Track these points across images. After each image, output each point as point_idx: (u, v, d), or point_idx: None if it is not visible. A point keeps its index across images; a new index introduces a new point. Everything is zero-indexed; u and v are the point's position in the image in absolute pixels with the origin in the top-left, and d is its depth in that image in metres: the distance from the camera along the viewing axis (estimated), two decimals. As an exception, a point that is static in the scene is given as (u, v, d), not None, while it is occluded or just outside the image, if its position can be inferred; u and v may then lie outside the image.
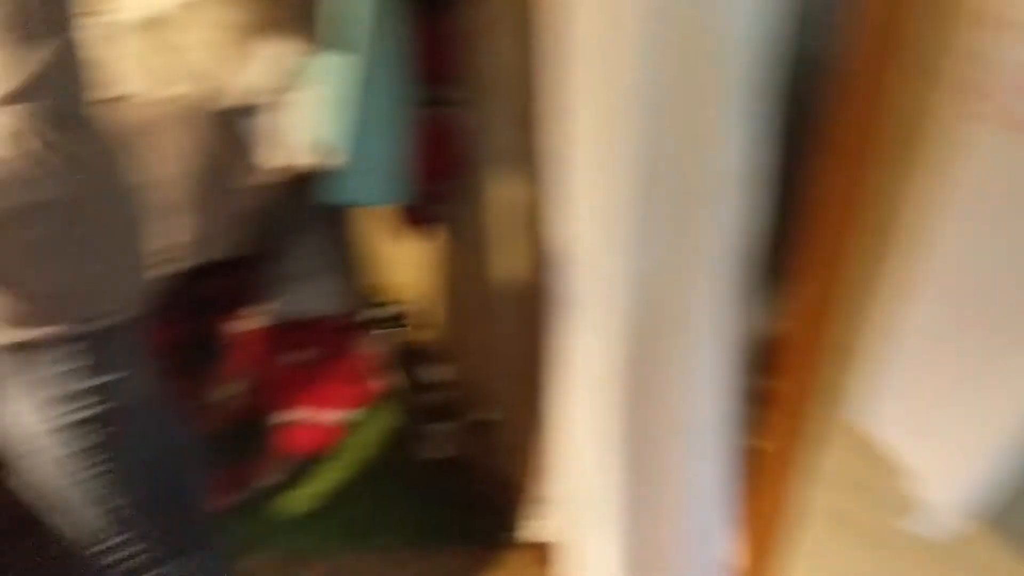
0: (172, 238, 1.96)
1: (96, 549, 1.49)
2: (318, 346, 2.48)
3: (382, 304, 2.42)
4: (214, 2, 2.01)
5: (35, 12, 0.98)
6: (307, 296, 2.50)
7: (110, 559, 1.51)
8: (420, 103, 1.85)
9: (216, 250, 2.16)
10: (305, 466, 2.27)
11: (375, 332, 2.46)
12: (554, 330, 1.62)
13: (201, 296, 2.16)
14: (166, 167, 2.03)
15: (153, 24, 2.01)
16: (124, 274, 1.33)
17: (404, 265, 2.41)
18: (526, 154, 1.67)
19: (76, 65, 1.07)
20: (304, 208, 2.24)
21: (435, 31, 1.81)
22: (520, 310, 1.87)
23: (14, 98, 1.00)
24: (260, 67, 2.07)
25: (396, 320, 2.39)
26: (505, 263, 1.93)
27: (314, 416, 2.34)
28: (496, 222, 1.91)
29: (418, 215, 2.08)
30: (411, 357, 2.40)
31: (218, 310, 2.36)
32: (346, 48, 1.89)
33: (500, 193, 1.87)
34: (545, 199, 1.53)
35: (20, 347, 1.27)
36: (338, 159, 1.97)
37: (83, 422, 1.36)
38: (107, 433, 1.39)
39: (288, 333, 2.50)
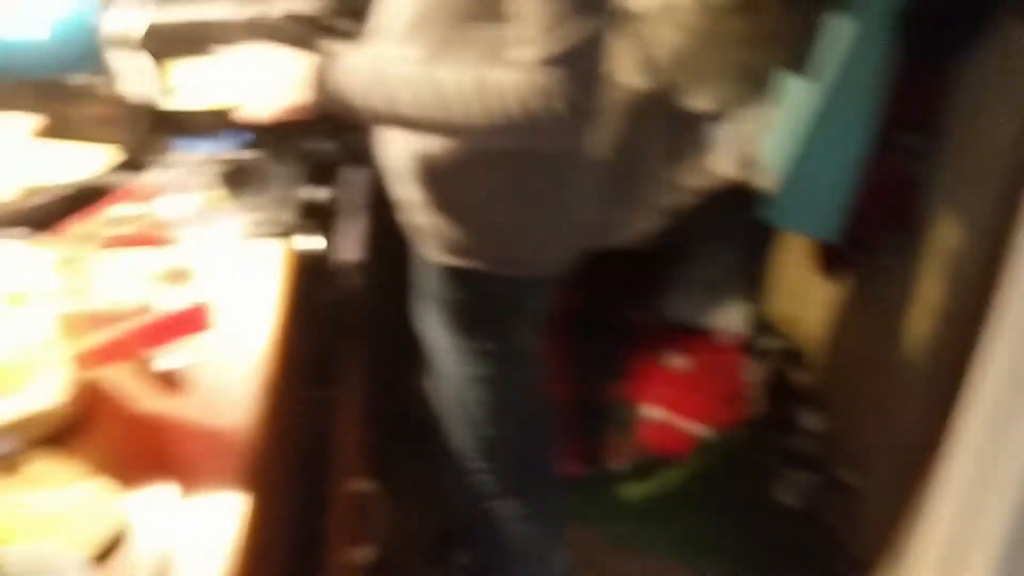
0: (602, 216, 2.07)
1: (462, 466, 1.64)
2: (697, 355, 2.50)
3: (773, 333, 2.37)
4: (692, 8, 2.07)
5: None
6: (704, 306, 2.53)
7: (468, 479, 1.66)
8: (879, 146, 1.78)
9: (636, 237, 2.26)
10: (652, 464, 2.30)
11: (757, 359, 2.42)
12: (963, 409, 1.50)
13: (606, 278, 2.26)
14: (610, 149, 2.15)
15: (632, 17, 2.11)
16: (561, 234, 1.44)
17: (806, 301, 2.34)
18: (981, 224, 1.55)
19: (605, 42, 1.18)
20: (729, 219, 2.26)
21: (918, 78, 1.72)
22: (925, 379, 1.75)
23: (554, 61, 1.13)
24: (721, 77, 2.10)
25: (782, 354, 2.33)
26: (920, 327, 1.81)
27: (674, 420, 2.37)
28: (924, 283, 1.80)
29: (839, 256, 2.01)
30: (785, 394, 2.33)
31: (618, 295, 2.47)
32: (815, 74, 1.87)
33: (938, 255, 1.75)
34: (1001, 275, 1.41)
35: (452, 272, 1.43)
36: (778, 180, 1.97)
37: (480, 352, 1.50)
38: (496, 368, 1.53)
39: (673, 335, 2.56)
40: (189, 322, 0.95)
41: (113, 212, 1.06)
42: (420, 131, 1.26)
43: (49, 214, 1.27)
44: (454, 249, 1.41)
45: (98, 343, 0.94)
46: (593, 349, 2.47)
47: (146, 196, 1.06)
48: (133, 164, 1.38)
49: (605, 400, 2.40)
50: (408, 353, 1.58)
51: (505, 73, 1.18)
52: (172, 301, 0.95)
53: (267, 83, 1.29)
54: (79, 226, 1.05)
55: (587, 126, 1.20)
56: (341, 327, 1.47)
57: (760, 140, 2.09)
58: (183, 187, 1.07)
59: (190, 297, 0.95)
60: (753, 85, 2.07)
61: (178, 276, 0.97)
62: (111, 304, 0.96)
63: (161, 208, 1.06)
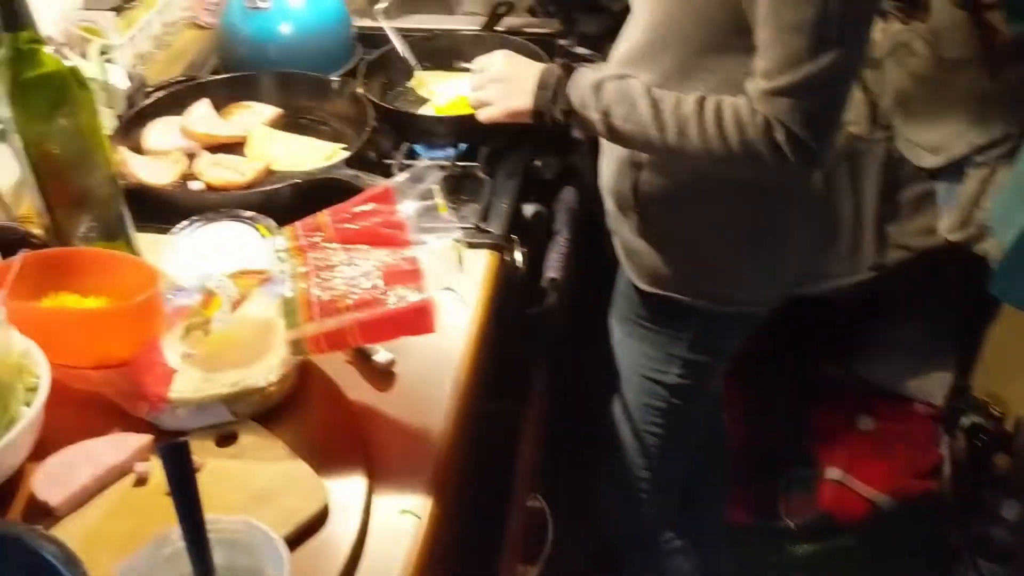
0: (813, 262, 2.00)
1: (629, 494, 1.62)
2: (890, 421, 2.38)
3: (977, 410, 2.21)
4: (925, 55, 1.96)
5: (834, 18, 1.06)
6: (904, 370, 2.39)
7: (633, 507, 1.64)
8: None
9: (842, 288, 2.17)
10: (826, 525, 2.21)
11: (955, 434, 2.27)
12: None
13: (804, 327, 2.18)
14: (824, 194, 2.07)
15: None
16: (771, 274, 1.40)
17: (1019, 381, 2.18)
18: None
19: (847, 83, 1.14)
20: (944, 283, 2.14)
21: None
22: None
23: (783, 91, 1.10)
24: (949, 131, 1.98)
25: (985, 433, 2.18)
26: None
27: (856, 484, 2.26)
28: None
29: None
30: (982, 477, 2.18)
31: (814, 347, 2.38)
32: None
33: None
34: None
35: (653, 298, 1.41)
36: (1004, 248, 1.84)
37: (661, 383, 1.48)
38: (673, 403, 1.51)
39: (867, 396, 2.44)
40: (414, 322, 0.97)
41: (346, 207, 1.10)
42: (634, 147, 1.26)
43: (284, 201, 1.34)
44: (659, 277, 1.39)
45: (322, 330, 0.98)
46: (781, 399, 2.40)
47: (379, 196, 1.10)
48: (368, 163, 1.45)
49: (787, 453, 2.32)
50: (594, 375, 1.58)
51: (729, 99, 1.15)
52: (400, 298, 0.98)
53: (500, 86, 1.33)
54: (313, 218, 1.10)
55: (810, 165, 1.16)
56: (535, 342, 1.48)
57: (988, 203, 1.96)
58: (412, 191, 1.10)
59: (417, 297, 0.98)
60: (984, 143, 1.94)
61: (406, 276, 1.00)
62: (339, 293, 1.00)
63: (392, 209, 1.09)
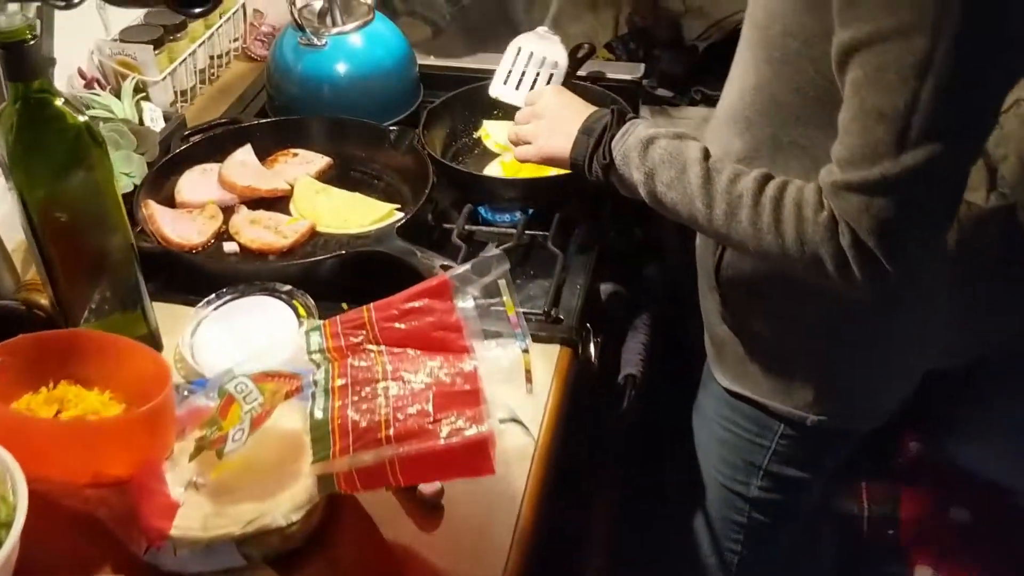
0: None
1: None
2: (985, 514, 2.15)
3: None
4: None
5: (932, 108, 0.84)
6: (1006, 456, 2.16)
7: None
8: None
9: (944, 363, 1.95)
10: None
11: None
12: None
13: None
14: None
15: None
16: (873, 386, 1.20)
17: None
18: None
19: (943, 182, 0.91)
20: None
21: None
22: None
23: (856, 187, 0.89)
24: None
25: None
26: None
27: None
28: None
29: None
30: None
31: (905, 425, 2.16)
32: None
33: None
34: None
35: (735, 398, 1.22)
36: None
37: (742, 495, 1.29)
38: (755, 518, 1.33)
39: (961, 483, 2.21)
40: (469, 462, 0.78)
41: (394, 303, 0.92)
42: (680, 220, 1.04)
43: (326, 274, 1.17)
44: (740, 372, 1.20)
45: (356, 465, 0.80)
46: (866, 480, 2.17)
47: (433, 291, 0.92)
48: (424, 228, 1.27)
49: (872, 542, 2.10)
50: (674, 480, 1.38)
51: (798, 184, 0.95)
52: (453, 430, 0.79)
53: (541, 124, 1.16)
54: (357, 313, 0.92)
55: (878, 284, 0.92)
56: (606, 446, 1.29)
57: None
58: (474, 284, 0.92)
59: (474, 431, 0.79)
60: None
61: (462, 399, 0.82)
62: (379, 419, 0.82)
63: (448, 306, 0.91)
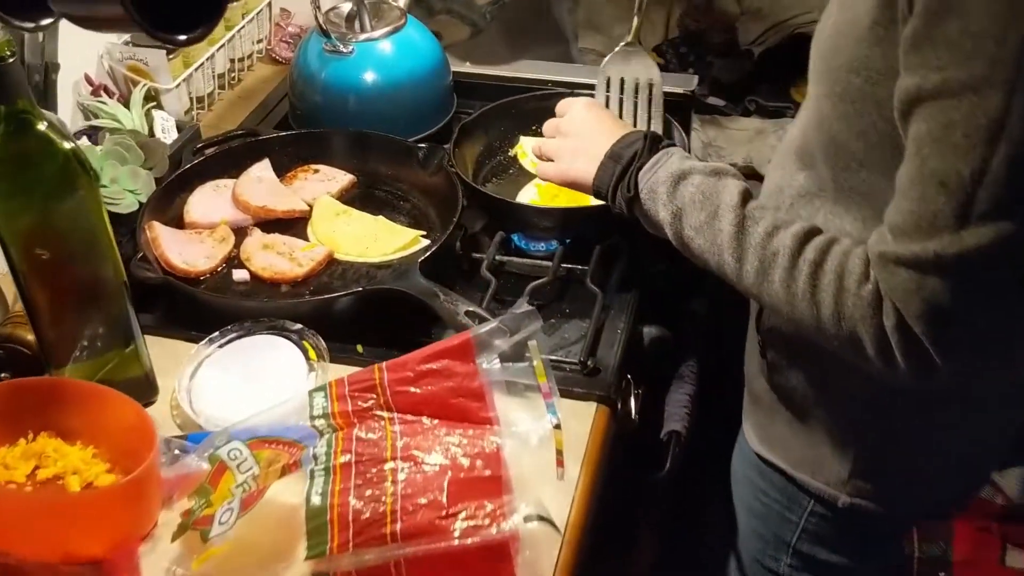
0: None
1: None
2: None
3: None
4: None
5: (1003, 179, 0.70)
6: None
7: None
8: None
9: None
10: None
11: None
12: None
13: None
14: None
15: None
16: (929, 475, 1.05)
17: None
18: None
19: (1008, 266, 0.76)
20: None
21: None
22: None
23: (907, 262, 0.75)
24: None
25: None
26: None
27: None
28: None
29: None
30: None
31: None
32: None
33: None
34: None
35: (769, 468, 1.09)
36: None
37: (773, 571, 1.16)
38: None
39: (1017, 520, 2.07)
40: (487, 567, 0.68)
41: (410, 362, 0.81)
42: (708, 268, 0.91)
43: (341, 313, 1.07)
44: (772, 437, 1.07)
45: (356, 566, 0.69)
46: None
47: (454, 351, 0.80)
48: (451, 258, 1.16)
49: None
50: (711, 548, 1.26)
51: (846, 245, 0.82)
52: (469, 527, 0.68)
53: (568, 142, 1.03)
54: (368, 372, 0.81)
55: (925, 376, 0.78)
56: (644, 510, 1.17)
57: None
58: (501, 343, 0.81)
59: (494, 530, 0.68)
60: None
61: (481, 488, 0.71)
62: (384, 508, 0.71)
63: (470, 369, 0.80)
